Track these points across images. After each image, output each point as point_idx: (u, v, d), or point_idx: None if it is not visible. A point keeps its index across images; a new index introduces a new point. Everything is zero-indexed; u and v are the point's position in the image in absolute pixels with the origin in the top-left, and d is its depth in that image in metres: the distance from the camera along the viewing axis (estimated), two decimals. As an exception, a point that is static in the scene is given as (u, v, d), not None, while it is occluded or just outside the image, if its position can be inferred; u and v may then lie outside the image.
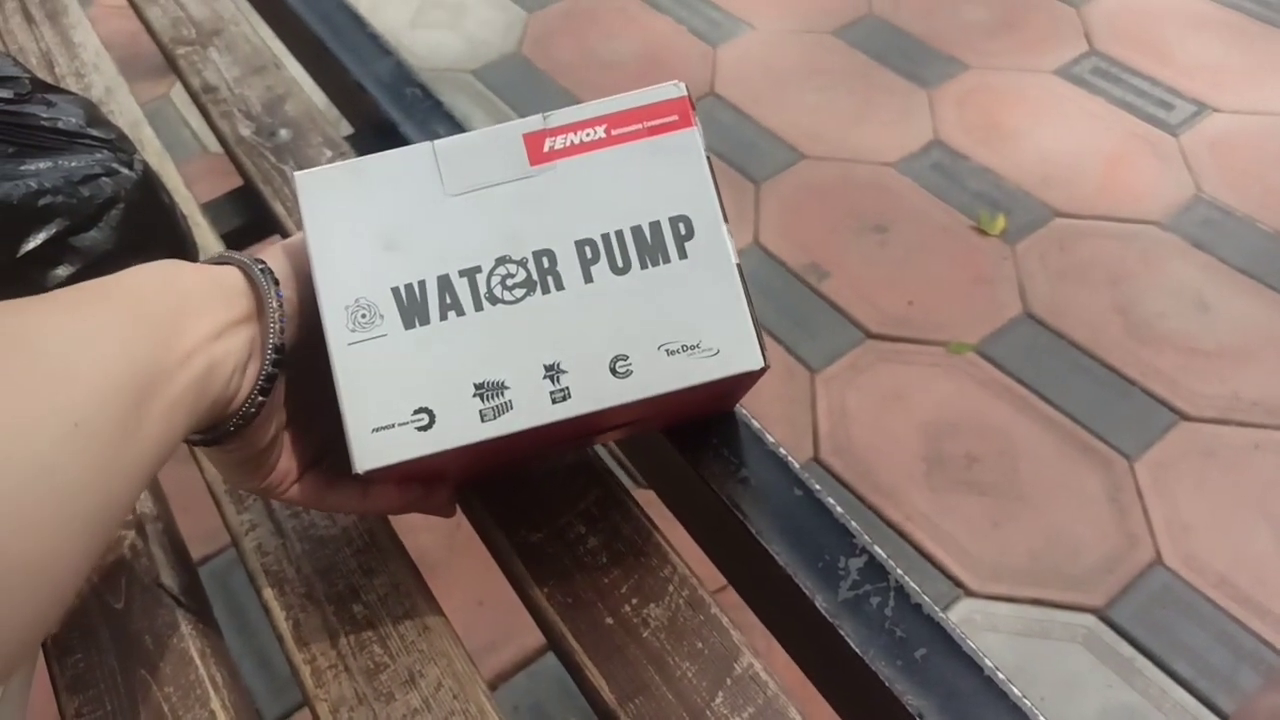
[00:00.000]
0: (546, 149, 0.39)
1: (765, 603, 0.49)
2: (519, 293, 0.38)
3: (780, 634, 0.50)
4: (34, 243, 0.49)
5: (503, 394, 0.38)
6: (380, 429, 0.37)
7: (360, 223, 0.38)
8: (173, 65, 0.81)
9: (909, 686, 0.43)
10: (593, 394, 0.38)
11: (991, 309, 1.42)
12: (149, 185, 0.56)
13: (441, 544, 1.08)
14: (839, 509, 0.49)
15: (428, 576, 0.50)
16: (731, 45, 1.91)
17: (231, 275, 0.38)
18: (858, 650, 0.44)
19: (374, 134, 0.76)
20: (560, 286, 0.38)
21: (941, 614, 0.45)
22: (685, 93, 0.40)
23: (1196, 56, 1.83)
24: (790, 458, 0.51)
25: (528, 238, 0.38)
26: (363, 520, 0.51)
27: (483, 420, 0.38)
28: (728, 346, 0.39)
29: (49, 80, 0.73)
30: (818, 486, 0.50)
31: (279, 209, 0.68)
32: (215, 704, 0.46)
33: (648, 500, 0.51)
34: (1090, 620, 1.10)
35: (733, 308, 0.39)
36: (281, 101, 0.76)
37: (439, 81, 1.83)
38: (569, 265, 0.38)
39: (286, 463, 0.42)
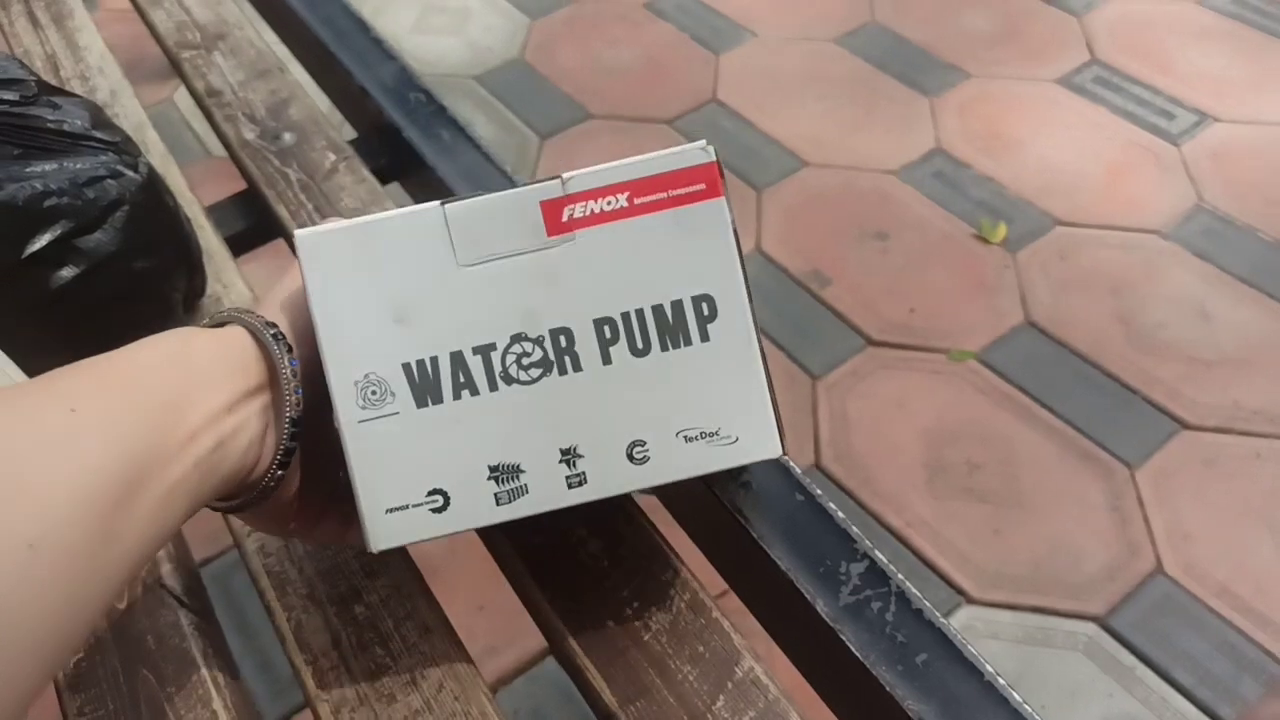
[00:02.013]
0: (565, 218, 0.36)
1: (767, 607, 0.49)
2: (535, 373, 0.37)
3: (781, 638, 0.50)
4: (39, 244, 0.49)
5: (518, 477, 0.38)
6: (394, 510, 0.37)
7: (368, 293, 0.36)
8: (177, 69, 0.81)
9: (910, 691, 0.43)
10: (609, 480, 0.38)
11: (993, 317, 1.42)
12: (153, 188, 0.56)
13: (442, 548, 1.07)
14: (840, 514, 0.49)
15: (429, 581, 0.50)
16: (734, 52, 1.91)
17: (241, 340, 0.37)
18: (859, 655, 0.44)
19: (378, 138, 0.76)
20: (578, 368, 0.37)
21: (942, 619, 0.45)
22: (714, 158, 0.37)
23: (1198, 66, 1.84)
24: (792, 464, 0.51)
25: (544, 315, 0.37)
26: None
27: (497, 503, 0.38)
28: (747, 435, 0.38)
29: (54, 83, 0.74)
30: (819, 491, 0.50)
31: (282, 212, 0.68)
32: (217, 704, 0.46)
33: (650, 505, 0.51)
34: (1091, 628, 1.10)
35: (754, 395, 0.38)
36: (285, 105, 0.76)
37: (442, 87, 1.83)
38: (587, 345, 0.37)
39: (308, 509, 0.42)
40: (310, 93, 0.78)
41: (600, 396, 0.37)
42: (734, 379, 0.38)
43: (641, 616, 0.46)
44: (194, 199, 0.70)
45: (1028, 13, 1.99)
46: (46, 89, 0.56)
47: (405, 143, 0.72)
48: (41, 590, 0.27)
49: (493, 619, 1.04)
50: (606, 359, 0.37)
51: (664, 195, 0.36)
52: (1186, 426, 1.28)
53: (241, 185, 0.74)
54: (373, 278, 0.36)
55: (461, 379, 0.37)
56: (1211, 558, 1.15)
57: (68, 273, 0.51)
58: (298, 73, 0.82)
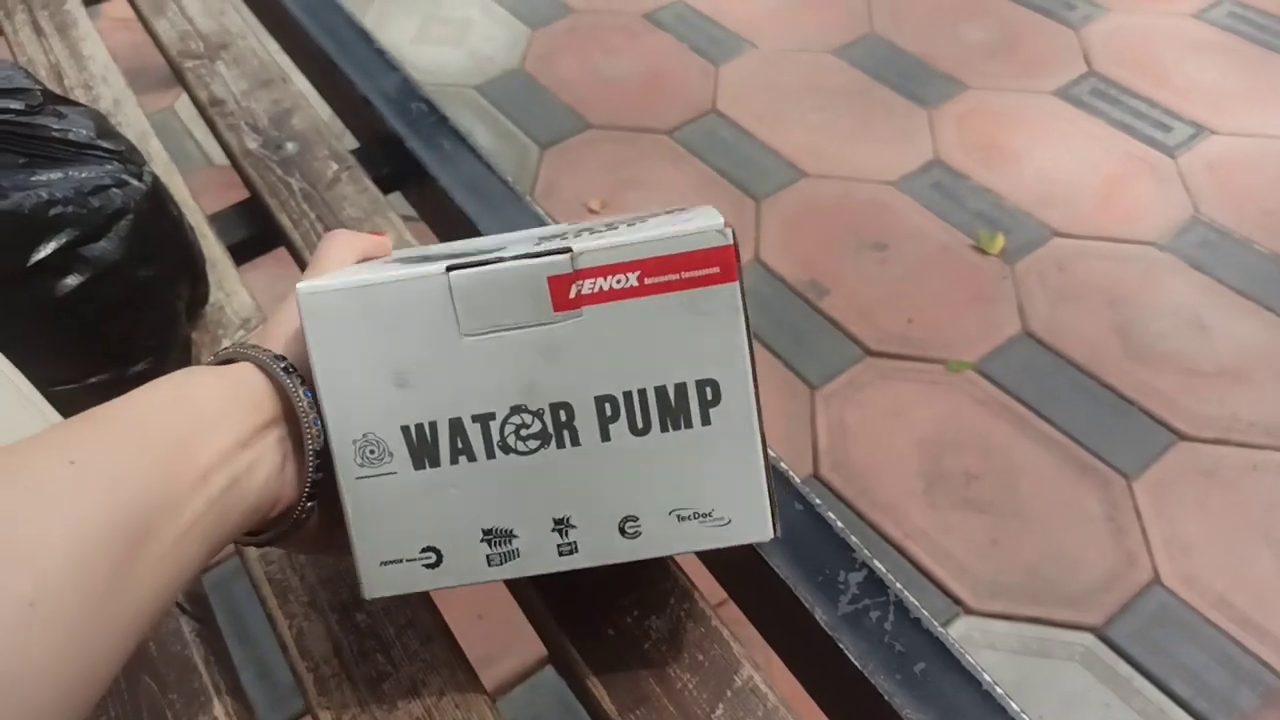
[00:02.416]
0: (573, 294, 0.35)
1: (766, 616, 0.49)
2: (533, 444, 0.37)
3: (780, 647, 0.51)
4: (44, 252, 0.50)
5: (510, 542, 0.38)
6: (388, 563, 0.38)
7: (369, 354, 0.36)
8: (180, 78, 0.82)
9: (908, 700, 0.43)
10: (599, 551, 0.38)
11: (990, 328, 1.43)
12: (158, 197, 0.57)
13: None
14: (839, 524, 0.49)
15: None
16: (733, 64, 1.92)
17: (251, 375, 0.37)
18: (857, 664, 0.44)
19: (380, 148, 0.77)
20: (576, 442, 0.37)
21: (940, 629, 0.45)
22: (731, 240, 0.35)
23: (1194, 79, 1.85)
24: (791, 472, 0.51)
25: (546, 389, 0.36)
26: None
27: (489, 564, 0.38)
28: (740, 517, 0.38)
29: (58, 92, 0.74)
30: (818, 501, 0.50)
31: (285, 221, 0.68)
32: (218, 710, 0.46)
33: (649, 513, 0.51)
34: (1088, 639, 1.10)
35: (751, 480, 0.38)
36: (288, 115, 0.76)
37: (443, 96, 1.84)
38: (587, 421, 0.37)
39: (337, 528, 0.41)
40: (313, 103, 0.79)
41: (597, 472, 0.37)
42: (732, 464, 0.37)
43: (641, 625, 0.46)
44: (197, 208, 0.70)
45: (1025, 25, 2.00)
46: (51, 98, 0.57)
47: (407, 153, 0.72)
48: (47, 647, 0.27)
49: (492, 627, 1.04)
50: (605, 436, 0.37)
51: (676, 277, 0.35)
52: (1184, 438, 1.28)
53: (244, 194, 0.74)
54: (374, 339, 0.36)
55: (459, 445, 0.37)
56: (1209, 569, 1.15)
57: (72, 281, 0.51)
58: (300, 83, 0.82)
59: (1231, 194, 1.62)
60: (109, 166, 0.54)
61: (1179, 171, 1.66)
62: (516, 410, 0.37)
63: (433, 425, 0.37)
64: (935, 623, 0.45)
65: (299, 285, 0.36)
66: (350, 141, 0.82)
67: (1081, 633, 1.11)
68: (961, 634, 1.10)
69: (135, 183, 0.55)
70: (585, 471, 0.37)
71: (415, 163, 0.72)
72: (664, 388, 0.36)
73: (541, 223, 0.66)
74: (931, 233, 1.57)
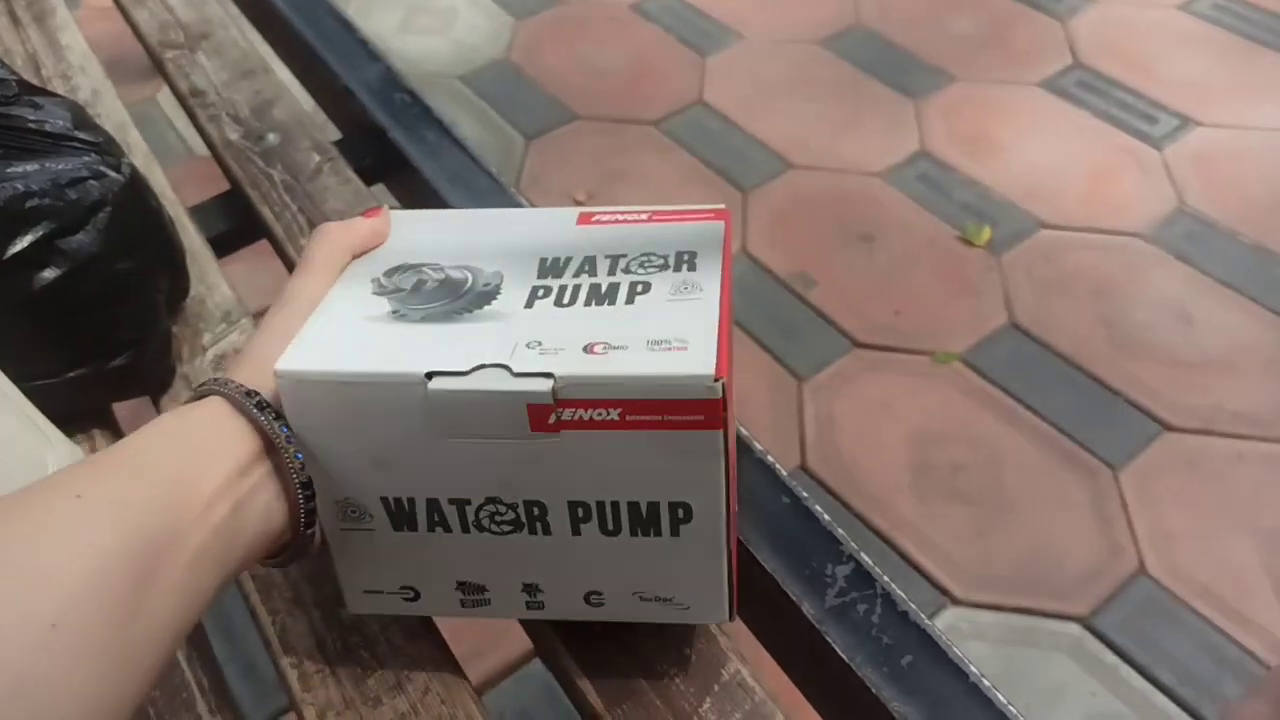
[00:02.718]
0: (551, 420, 0.34)
1: (753, 609, 0.49)
2: (506, 528, 0.38)
3: (767, 641, 0.50)
4: (20, 245, 0.49)
5: (482, 594, 0.41)
6: (370, 592, 0.41)
7: (348, 439, 0.36)
8: (160, 68, 0.81)
9: (895, 693, 0.43)
10: (565, 611, 0.41)
11: (977, 319, 1.43)
12: (136, 188, 0.56)
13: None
14: (826, 516, 0.49)
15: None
16: (721, 55, 1.91)
17: (224, 412, 0.36)
18: (844, 657, 0.44)
19: (363, 139, 0.76)
20: (547, 532, 0.38)
21: (928, 621, 0.45)
22: (720, 394, 0.33)
23: (1180, 71, 1.85)
24: (778, 465, 0.51)
25: (520, 488, 0.37)
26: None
27: (462, 606, 0.42)
28: (699, 604, 0.40)
29: (35, 82, 0.73)
30: (805, 494, 0.50)
31: (266, 213, 0.67)
32: (201, 708, 0.46)
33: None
34: (1075, 629, 1.11)
35: (712, 578, 0.39)
36: (270, 106, 0.75)
37: (427, 86, 1.82)
38: (559, 518, 0.37)
39: None
40: (295, 93, 0.78)
41: (566, 556, 0.39)
42: (696, 566, 0.39)
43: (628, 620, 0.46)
44: (177, 200, 0.69)
45: (1012, 17, 2.00)
46: (27, 89, 0.56)
47: (390, 144, 0.72)
48: (69, 669, 0.27)
49: (479, 621, 1.04)
50: (576, 531, 0.38)
51: (659, 418, 0.34)
52: (1169, 428, 1.29)
53: (225, 186, 0.73)
54: (352, 427, 0.36)
55: (436, 519, 0.38)
56: (1194, 559, 1.16)
57: (49, 274, 0.50)
58: (282, 73, 0.81)
59: (1216, 186, 1.62)
60: (86, 158, 0.53)
61: (1164, 163, 1.67)
62: (491, 500, 0.37)
63: (410, 500, 0.38)
64: (923, 615, 0.45)
65: (277, 366, 0.35)
66: (333, 132, 0.81)
67: (1068, 623, 1.11)
68: (949, 625, 1.11)
69: (113, 174, 0.54)
70: (554, 554, 0.39)
71: (398, 154, 0.71)
72: (637, 504, 0.37)
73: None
74: (918, 225, 1.57)
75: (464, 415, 0.35)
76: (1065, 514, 1.20)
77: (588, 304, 0.37)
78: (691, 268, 0.39)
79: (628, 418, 0.34)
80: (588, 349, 0.34)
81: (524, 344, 0.35)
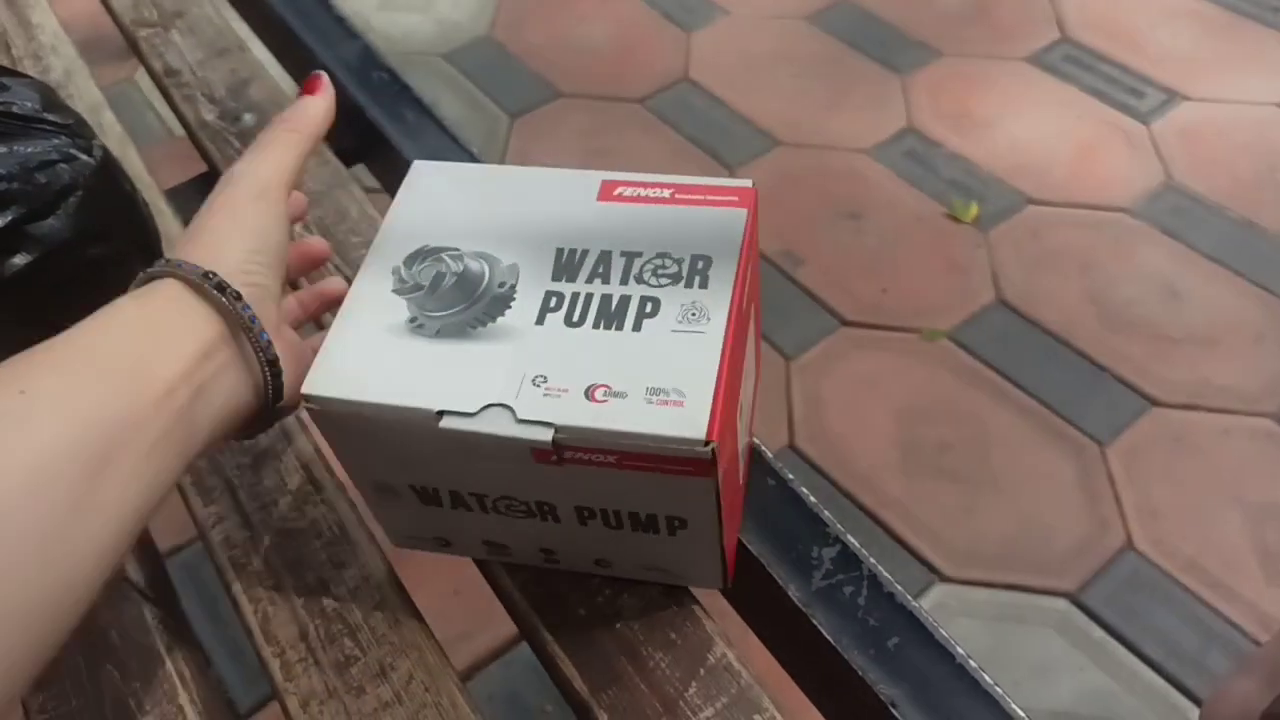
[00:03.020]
0: (554, 459, 0.37)
1: (739, 593, 0.48)
2: (520, 515, 0.41)
3: (754, 623, 0.50)
4: (-12, 230, 0.48)
5: (505, 550, 0.45)
6: (407, 538, 0.46)
7: (374, 448, 0.39)
8: (134, 48, 0.79)
9: (881, 675, 0.43)
10: (577, 567, 0.46)
11: (965, 296, 1.43)
12: (108, 172, 0.55)
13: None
14: (812, 498, 0.49)
15: (401, 565, 0.49)
16: (706, 31, 1.90)
17: (182, 294, 0.37)
18: (830, 639, 0.44)
19: (341, 119, 0.75)
20: (557, 521, 0.40)
21: (914, 603, 0.45)
22: (712, 456, 0.34)
23: (1167, 46, 1.84)
24: (764, 446, 0.50)
25: (530, 491, 0.39)
26: (333, 512, 0.50)
27: (488, 552, 0.46)
28: (696, 577, 0.45)
29: (5, 63, 0.71)
30: (791, 476, 0.49)
31: (245, 195, 0.66)
32: (183, 699, 0.45)
33: (621, 490, 0.51)
34: (1063, 604, 1.11)
35: (708, 562, 0.42)
36: (246, 85, 0.74)
37: (409, 65, 1.80)
38: (567, 514, 0.40)
39: None
40: (271, 72, 0.77)
41: (576, 536, 0.42)
42: (693, 555, 0.42)
43: (614, 604, 0.46)
44: (153, 183, 0.68)
45: (999, -9, 1.99)
46: (-6, 69, 0.54)
47: (369, 124, 0.70)
48: (13, 563, 0.28)
49: (468, 604, 1.03)
50: (583, 524, 0.40)
51: (653, 465, 0.36)
52: (1156, 404, 1.29)
53: (202, 167, 0.72)
54: (375, 439, 0.38)
55: (458, 502, 0.41)
56: (1180, 533, 1.16)
57: (19, 260, 0.49)
58: (259, 51, 0.80)
59: (1203, 160, 1.62)
60: (56, 141, 0.52)
61: (1151, 138, 1.66)
62: (506, 496, 0.40)
63: (435, 489, 0.41)
64: (909, 597, 0.45)
65: (304, 390, 0.37)
66: (312, 113, 0.79)
67: (1056, 598, 1.12)
68: (937, 602, 1.11)
69: (84, 157, 0.53)
70: (566, 533, 0.42)
71: (378, 134, 0.70)
72: (637, 513, 0.39)
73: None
74: (905, 201, 1.57)
75: (473, 448, 0.36)
76: (1052, 490, 1.21)
77: (596, 325, 0.38)
78: (704, 283, 0.39)
79: (624, 463, 0.36)
80: (589, 393, 0.35)
81: (530, 379, 0.36)
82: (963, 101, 1.74)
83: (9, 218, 0.48)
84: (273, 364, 0.39)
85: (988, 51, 1.85)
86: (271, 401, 0.39)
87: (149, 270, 0.38)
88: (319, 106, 0.46)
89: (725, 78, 1.79)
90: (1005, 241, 1.50)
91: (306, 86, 0.46)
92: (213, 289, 0.37)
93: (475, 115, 1.72)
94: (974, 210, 1.54)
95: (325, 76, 0.47)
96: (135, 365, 0.33)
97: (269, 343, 0.38)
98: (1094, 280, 1.45)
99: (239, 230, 0.40)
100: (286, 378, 0.40)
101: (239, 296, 0.37)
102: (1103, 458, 1.24)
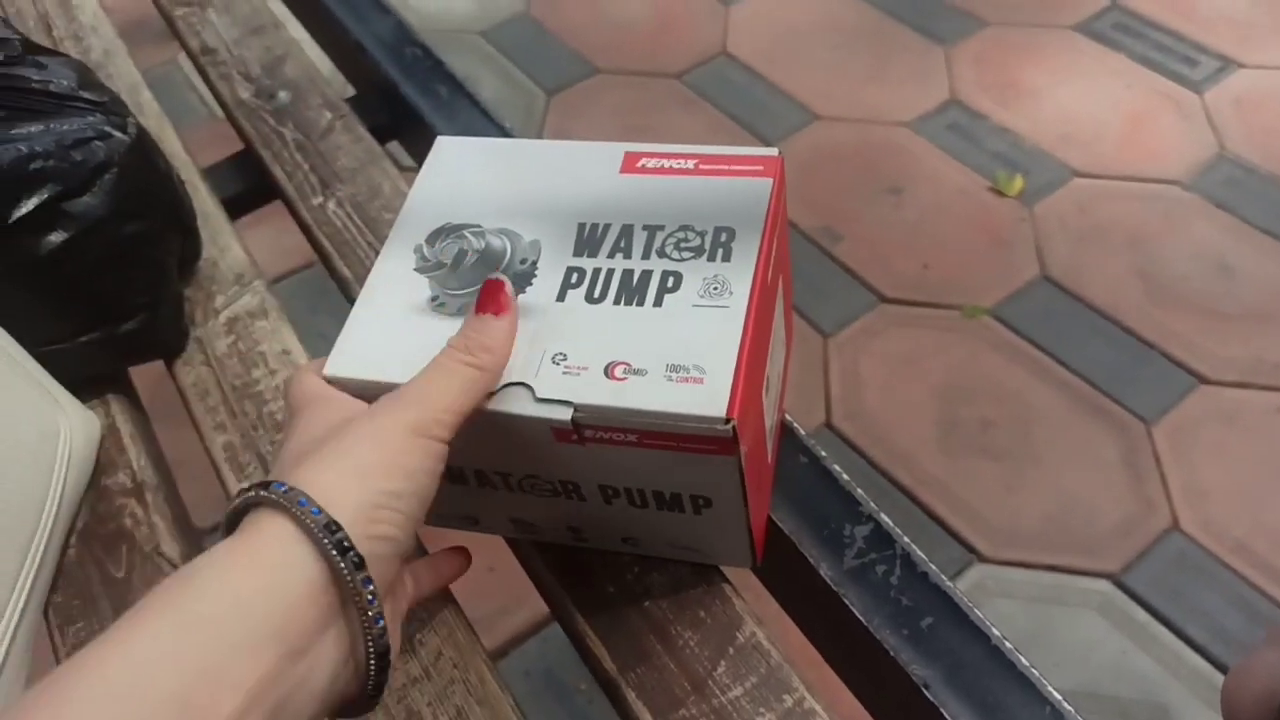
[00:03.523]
0: (574, 437, 0.36)
1: (770, 571, 0.48)
2: (546, 494, 0.40)
3: (784, 603, 0.50)
4: (25, 208, 0.48)
5: (532, 527, 0.45)
6: (437, 515, 0.43)
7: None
8: (171, 26, 0.80)
9: (914, 656, 0.42)
10: (605, 545, 0.45)
11: (1008, 272, 1.40)
12: (143, 149, 0.55)
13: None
14: (845, 476, 0.48)
15: (437, 543, 0.49)
16: (744, 4, 1.87)
17: (296, 553, 0.29)
18: (862, 619, 0.43)
19: (375, 96, 0.75)
20: (582, 499, 0.40)
21: (949, 582, 0.44)
22: (733, 433, 0.34)
23: (1221, 10, 1.78)
24: (796, 424, 0.50)
25: (554, 473, 0.39)
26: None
27: (516, 530, 0.46)
28: (725, 554, 0.44)
29: (46, 44, 0.72)
30: (824, 453, 0.49)
31: (279, 173, 0.67)
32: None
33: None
34: (1105, 586, 1.09)
35: (736, 540, 0.41)
36: (281, 63, 0.74)
37: (447, 42, 1.80)
38: (591, 493, 0.39)
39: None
40: (307, 50, 0.77)
41: (602, 515, 0.41)
42: (720, 534, 0.41)
43: (643, 582, 0.45)
44: (189, 161, 0.69)
45: (1047, -42, 1.94)
46: (32, 48, 0.55)
47: (403, 99, 0.70)
48: None
49: (504, 580, 1.04)
50: (608, 503, 0.40)
51: (674, 444, 0.35)
52: (1205, 381, 1.26)
53: (239, 146, 0.73)
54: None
55: (484, 480, 0.41)
56: (1228, 514, 1.13)
57: (56, 237, 0.50)
58: (294, 29, 0.80)
59: (1259, 130, 1.57)
60: (91, 118, 0.53)
61: (1204, 107, 1.61)
62: (530, 476, 0.39)
63: (460, 468, 0.40)
64: (944, 577, 0.44)
65: (325, 372, 0.37)
66: (347, 90, 0.80)
67: (1098, 580, 1.10)
68: (976, 583, 1.10)
69: (119, 135, 0.53)
70: (592, 512, 0.41)
71: (411, 110, 0.70)
72: (661, 493, 0.38)
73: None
74: (948, 175, 1.54)
75: (493, 428, 0.36)
76: (1096, 470, 1.18)
77: (617, 301, 0.37)
78: (726, 256, 0.38)
79: (645, 441, 0.35)
80: (609, 370, 0.35)
81: (550, 356, 0.36)
82: (1008, 72, 1.70)
83: (45, 195, 0.49)
84: (382, 655, 0.30)
85: (1034, 20, 1.80)
86: (370, 694, 0.31)
87: (258, 493, 0.30)
88: (503, 332, 0.36)
89: (763, 51, 1.76)
90: (1051, 215, 1.47)
91: (484, 300, 0.36)
92: (331, 546, 0.29)
93: (513, 93, 1.71)
94: (1019, 183, 1.51)
95: (508, 288, 0.37)
96: (182, 698, 0.25)
97: (383, 630, 0.30)
98: (1142, 255, 1.41)
99: (384, 463, 0.31)
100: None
101: (361, 564, 0.29)
102: (1149, 436, 1.21)
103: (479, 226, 0.41)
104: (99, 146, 0.52)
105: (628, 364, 0.35)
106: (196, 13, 0.79)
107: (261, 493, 0.30)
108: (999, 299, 1.36)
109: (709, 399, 0.34)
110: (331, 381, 0.37)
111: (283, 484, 0.30)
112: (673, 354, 0.35)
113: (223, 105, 0.73)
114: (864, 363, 1.30)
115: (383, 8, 0.77)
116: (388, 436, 0.32)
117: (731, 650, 0.43)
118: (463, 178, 0.43)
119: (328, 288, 0.62)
